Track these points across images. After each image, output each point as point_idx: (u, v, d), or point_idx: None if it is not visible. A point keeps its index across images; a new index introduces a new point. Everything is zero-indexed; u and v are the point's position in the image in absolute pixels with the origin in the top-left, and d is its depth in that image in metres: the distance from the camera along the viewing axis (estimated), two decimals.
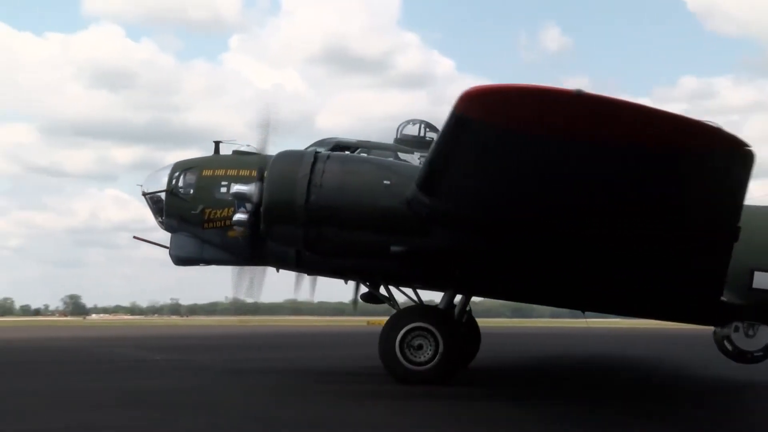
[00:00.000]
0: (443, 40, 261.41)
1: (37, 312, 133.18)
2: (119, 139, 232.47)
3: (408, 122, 14.37)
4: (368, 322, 53.00)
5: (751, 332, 13.61)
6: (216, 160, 14.21)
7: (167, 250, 13.88)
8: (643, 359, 20.93)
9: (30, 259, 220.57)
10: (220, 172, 13.83)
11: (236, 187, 12.59)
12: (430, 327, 12.20)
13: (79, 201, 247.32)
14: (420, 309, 13.12)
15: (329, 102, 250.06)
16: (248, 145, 14.33)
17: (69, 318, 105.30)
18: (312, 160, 11.64)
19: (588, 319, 17.09)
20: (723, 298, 12.05)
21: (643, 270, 11.37)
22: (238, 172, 13.64)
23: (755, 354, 14.11)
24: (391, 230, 11.59)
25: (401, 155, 13.87)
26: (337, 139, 14.17)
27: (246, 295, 13.98)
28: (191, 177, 13.88)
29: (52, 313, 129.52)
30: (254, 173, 13.01)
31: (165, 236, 14.06)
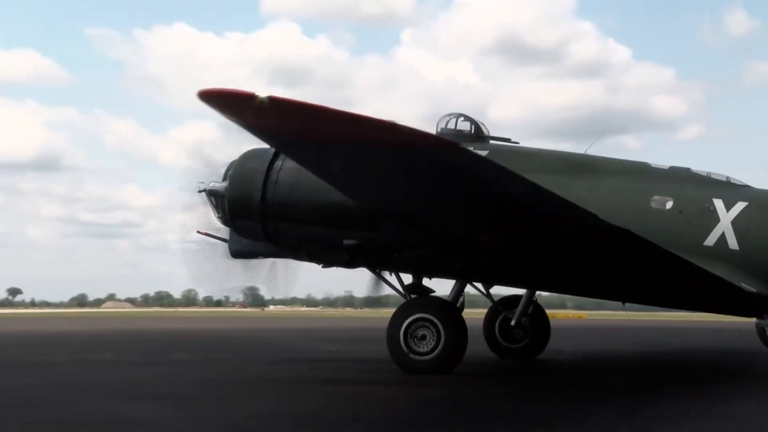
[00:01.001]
0: (619, 28, 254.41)
1: (218, 303, 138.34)
2: None
3: (445, 116, 14.28)
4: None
5: None
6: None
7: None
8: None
9: None
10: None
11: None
12: (433, 318, 12.49)
13: None
14: (423, 300, 13.27)
15: (502, 93, 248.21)
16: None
17: (248, 309, 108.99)
18: (270, 158, 12.15)
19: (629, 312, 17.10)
20: (752, 289, 12.03)
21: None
22: None
23: None
24: (343, 225, 11.98)
25: None
26: None
27: (269, 287, 14.69)
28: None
29: (233, 305, 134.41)
30: None
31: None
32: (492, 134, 14.17)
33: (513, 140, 14.39)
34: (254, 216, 12.27)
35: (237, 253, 13.94)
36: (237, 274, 13.83)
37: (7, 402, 9.33)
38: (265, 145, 11.48)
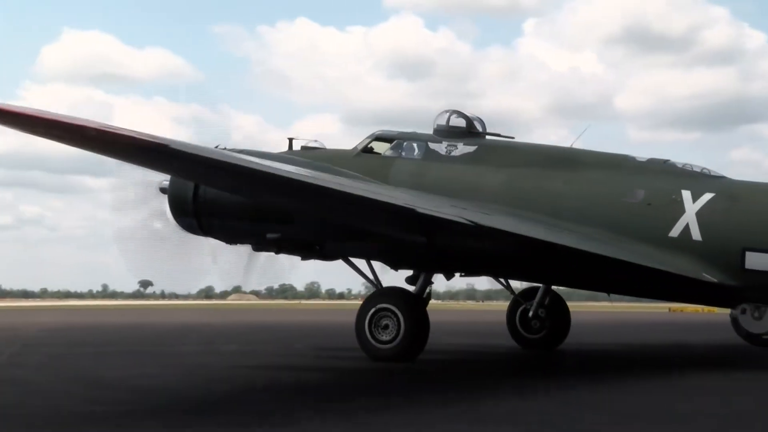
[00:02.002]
0: (755, 12, 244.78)
1: (341, 296, 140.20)
2: (417, 126, 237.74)
3: (442, 112, 14.95)
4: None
5: (757, 314, 13.30)
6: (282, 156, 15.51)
7: None
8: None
9: None
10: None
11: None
12: (394, 308, 12.95)
13: None
14: (387, 291, 13.76)
15: (629, 83, 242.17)
16: (315, 141, 15.66)
17: None
18: None
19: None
20: (713, 280, 12.32)
21: None
22: None
23: (763, 336, 13.68)
24: (262, 220, 12.63)
25: (431, 145, 14.58)
26: (381, 132, 15.16)
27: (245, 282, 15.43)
28: None
29: (355, 297, 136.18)
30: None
31: None
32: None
33: (508, 136, 15.12)
34: (189, 213, 12.98)
35: None
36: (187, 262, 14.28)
37: (141, 388, 9.74)
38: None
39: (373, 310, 13.06)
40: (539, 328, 16.21)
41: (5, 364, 12.97)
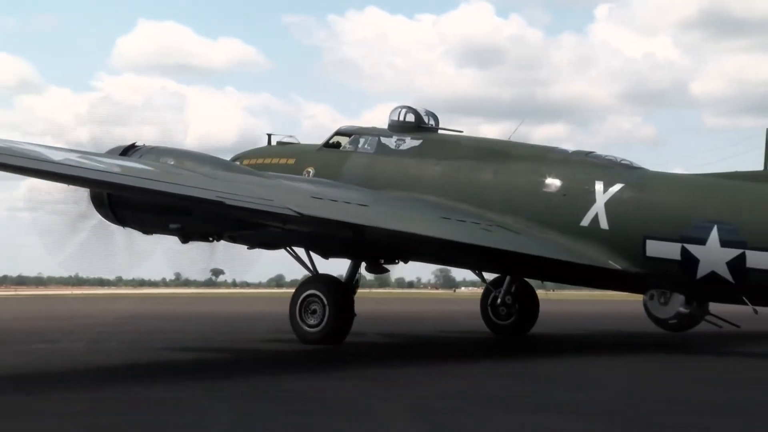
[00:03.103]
0: None
1: (410, 285, 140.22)
2: (488, 115, 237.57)
3: (395, 108, 16.05)
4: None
5: (663, 300, 13.62)
6: (259, 151, 17.25)
7: None
8: None
9: None
10: (259, 161, 16.53)
11: None
12: (320, 294, 13.70)
13: None
14: (315, 278, 14.50)
15: (705, 68, 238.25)
16: (290, 136, 17.29)
17: (440, 291, 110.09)
18: (118, 153, 13.26)
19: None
20: (618, 267, 13.05)
21: None
22: (272, 161, 16.46)
23: (670, 321, 14.39)
24: (163, 212, 12.88)
25: (383, 139, 15.77)
26: (343, 128, 16.46)
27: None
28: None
29: (425, 286, 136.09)
30: (289, 161, 16.21)
31: None
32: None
33: (456, 130, 16.27)
34: (105, 205, 13.23)
35: None
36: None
37: (208, 375, 10.00)
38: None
39: (303, 296, 13.86)
40: (506, 315, 16.76)
41: (83, 350, 13.37)
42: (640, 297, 15.32)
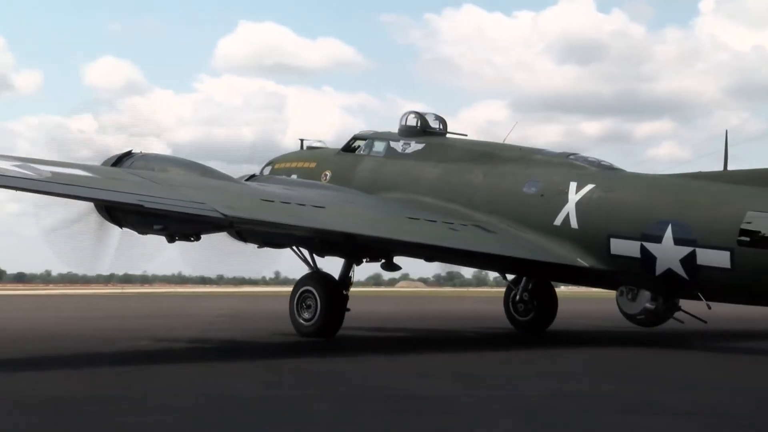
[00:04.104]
0: None
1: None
2: (588, 112, 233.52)
3: (405, 113, 17.25)
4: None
5: (630, 296, 14.01)
6: (289, 155, 18.38)
7: None
8: None
9: None
10: (287, 165, 17.94)
11: None
12: (314, 290, 14.70)
13: None
14: (311, 275, 15.36)
15: None
16: (319, 141, 18.42)
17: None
18: (113, 161, 14.53)
19: None
20: (585, 264, 13.84)
21: None
22: (299, 164, 17.80)
23: (637, 317, 14.53)
24: (148, 215, 13.33)
25: (392, 143, 16.97)
26: (360, 133, 17.64)
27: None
28: (268, 169, 18.14)
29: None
30: (311, 165, 17.54)
31: None
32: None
33: (461, 134, 17.36)
34: (103, 209, 13.96)
35: None
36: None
37: (310, 374, 10.02)
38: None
39: (299, 292, 14.91)
40: (525, 311, 17.20)
41: (185, 348, 13.57)
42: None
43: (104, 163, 14.60)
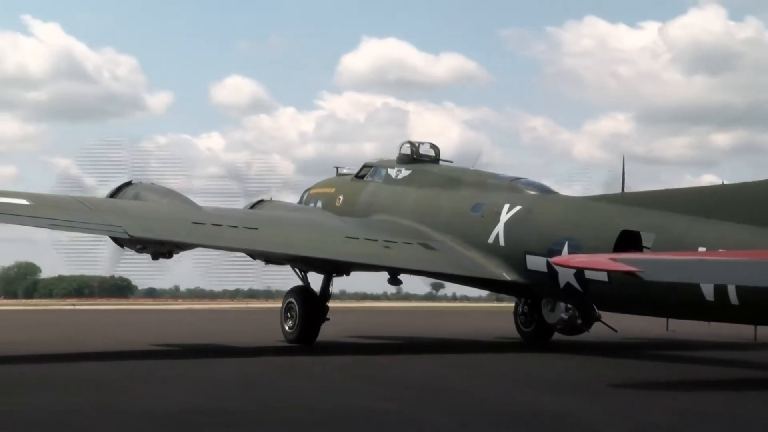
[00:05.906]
0: None
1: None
2: (719, 123, 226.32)
3: (401, 143, 19.33)
4: None
5: (549, 307, 15.71)
6: (323, 182, 20.49)
7: None
8: None
9: None
10: (317, 191, 20.22)
11: None
12: (295, 302, 16.91)
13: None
14: (294, 288, 17.39)
15: None
16: (350, 168, 20.09)
17: None
18: (113, 191, 16.42)
19: None
20: (508, 278, 15.38)
21: None
22: (324, 190, 19.99)
23: (557, 327, 15.75)
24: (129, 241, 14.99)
25: (389, 170, 18.94)
26: (369, 162, 19.67)
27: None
28: (305, 194, 20.52)
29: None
30: (331, 190, 19.66)
31: None
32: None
33: (447, 160, 19.23)
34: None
35: None
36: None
37: (429, 387, 10.05)
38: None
39: (285, 303, 17.24)
40: (526, 323, 18.41)
41: (309, 363, 13.74)
42: None
43: (111, 191, 16.47)
